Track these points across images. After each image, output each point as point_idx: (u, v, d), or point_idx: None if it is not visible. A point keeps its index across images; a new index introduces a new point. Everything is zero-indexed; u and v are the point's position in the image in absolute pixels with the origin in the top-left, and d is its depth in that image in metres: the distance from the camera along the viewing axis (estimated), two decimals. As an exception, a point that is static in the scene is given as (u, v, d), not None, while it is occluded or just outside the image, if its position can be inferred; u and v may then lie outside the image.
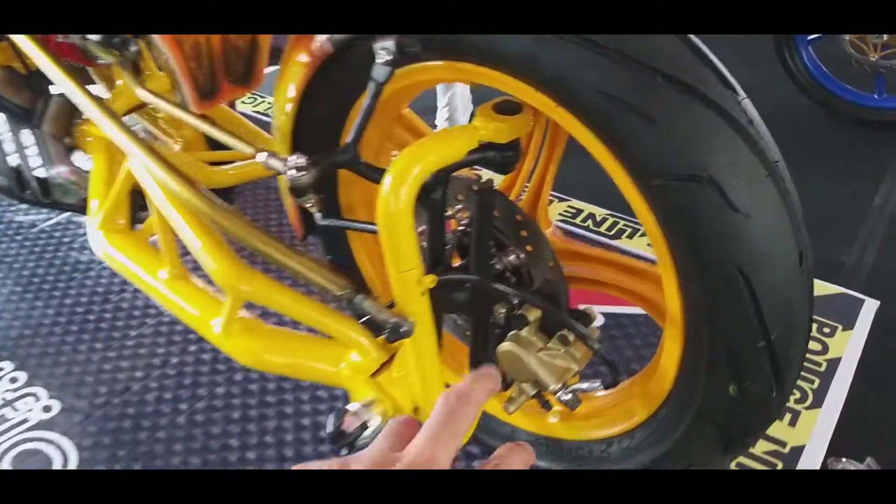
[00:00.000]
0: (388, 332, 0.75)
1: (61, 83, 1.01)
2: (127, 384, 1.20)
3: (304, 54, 0.84)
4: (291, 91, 0.89)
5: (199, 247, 0.86)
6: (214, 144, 1.39)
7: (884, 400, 1.13)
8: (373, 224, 0.89)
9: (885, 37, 1.95)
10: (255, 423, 1.12)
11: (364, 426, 0.79)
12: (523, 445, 0.42)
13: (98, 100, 0.97)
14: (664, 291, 0.72)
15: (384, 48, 0.74)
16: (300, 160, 0.74)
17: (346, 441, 0.79)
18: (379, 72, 0.75)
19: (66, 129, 1.20)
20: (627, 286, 0.83)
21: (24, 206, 1.67)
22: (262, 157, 0.77)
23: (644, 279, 0.82)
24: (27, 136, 1.20)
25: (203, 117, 0.98)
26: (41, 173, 1.21)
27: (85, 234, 1.56)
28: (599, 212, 1.60)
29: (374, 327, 0.85)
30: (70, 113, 1.20)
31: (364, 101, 0.77)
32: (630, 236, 1.52)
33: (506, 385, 0.85)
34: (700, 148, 0.61)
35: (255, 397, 1.17)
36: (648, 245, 1.48)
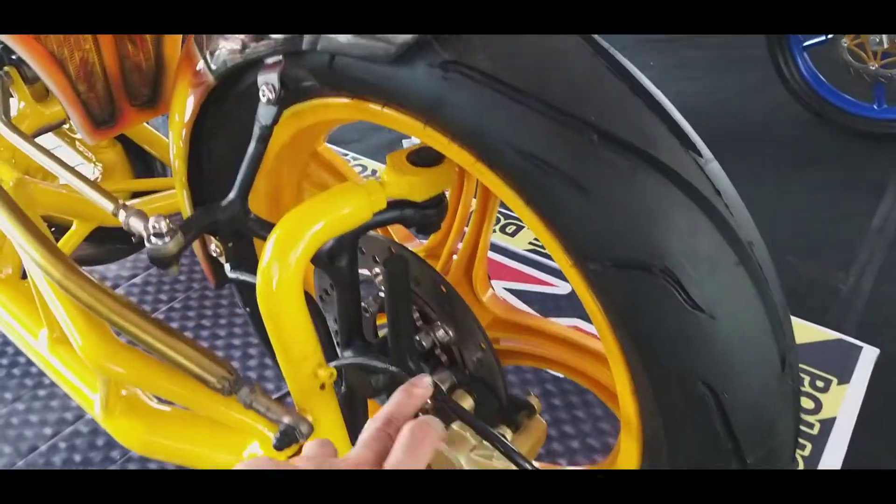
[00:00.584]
0: (279, 436, 0.61)
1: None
2: (33, 443, 1.06)
3: (187, 86, 0.70)
4: (182, 129, 0.74)
5: (68, 318, 0.72)
6: (140, 169, 1.25)
7: (886, 467, 0.99)
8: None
9: (886, 44, 1.80)
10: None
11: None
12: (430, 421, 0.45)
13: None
14: (617, 389, 0.58)
15: (267, 83, 0.59)
16: (160, 223, 0.59)
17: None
18: (264, 112, 0.61)
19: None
20: (579, 368, 0.68)
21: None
22: (122, 216, 0.63)
23: (599, 362, 0.67)
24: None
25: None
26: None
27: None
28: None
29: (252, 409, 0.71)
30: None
31: (249, 147, 0.63)
32: (513, 234, 1.40)
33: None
34: (649, 228, 0.46)
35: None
36: (530, 244, 1.36)
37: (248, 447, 0.71)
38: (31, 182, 0.93)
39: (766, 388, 0.49)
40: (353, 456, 0.43)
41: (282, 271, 0.56)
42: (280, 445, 0.60)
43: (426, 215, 0.63)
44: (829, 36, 1.93)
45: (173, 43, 0.94)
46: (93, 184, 0.68)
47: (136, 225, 0.61)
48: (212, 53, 0.65)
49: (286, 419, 0.61)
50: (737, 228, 0.47)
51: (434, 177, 0.60)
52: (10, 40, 0.79)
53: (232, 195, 0.65)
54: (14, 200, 0.73)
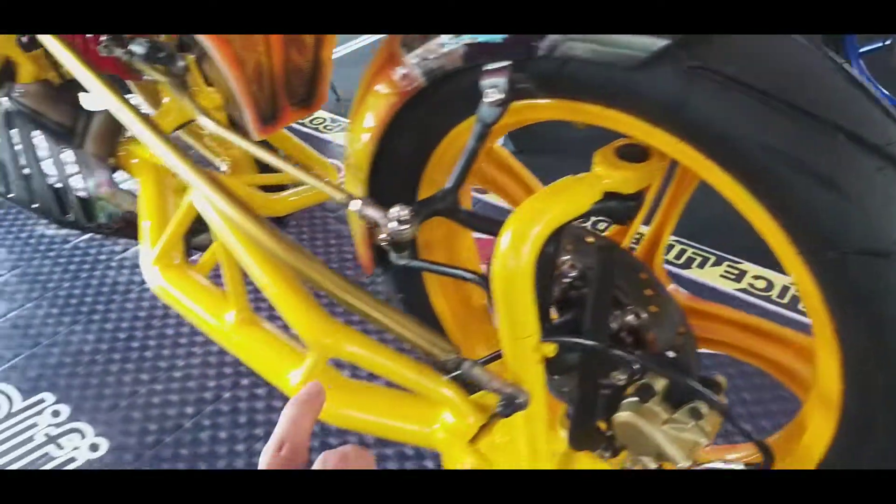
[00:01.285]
0: (502, 405, 0.67)
1: (110, 104, 0.92)
2: (178, 421, 1.13)
3: (388, 85, 0.75)
4: (370, 123, 0.80)
5: (276, 295, 0.78)
6: (264, 166, 1.31)
7: None
8: (460, 269, 0.82)
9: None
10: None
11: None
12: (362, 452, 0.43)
13: (153, 125, 0.88)
14: (817, 369, 0.63)
15: (494, 85, 0.65)
16: (403, 212, 0.66)
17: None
18: (487, 113, 0.66)
19: (109, 150, 1.11)
20: (761, 352, 0.74)
21: (55, 217, 1.60)
22: (355, 205, 0.69)
23: (782, 347, 0.73)
24: (68, 155, 1.12)
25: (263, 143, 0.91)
26: (83, 195, 1.13)
27: (122, 251, 1.48)
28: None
29: (464, 385, 0.78)
30: (114, 132, 1.12)
31: (468, 143, 0.69)
32: (700, 265, 1.42)
33: (615, 451, 0.78)
34: (890, 218, 0.52)
35: (316, 438, 1.09)
36: (722, 276, 1.40)
37: (441, 417, 0.77)
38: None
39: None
40: None
41: (517, 259, 0.62)
42: (506, 413, 0.67)
43: (628, 207, 0.69)
44: (886, 42, 1.98)
45: (330, 46, 1.00)
46: (319, 177, 0.73)
47: (374, 213, 0.67)
48: (423, 57, 0.71)
49: (508, 389, 0.67)
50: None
51: (644, 172, 0.66)
52: (207, 41, 0.84)
53: (449, 186, 0.70)
54: (218, 179, 0.79)
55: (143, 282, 1.36)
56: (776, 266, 1.34)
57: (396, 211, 0.66)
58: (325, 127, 1.95)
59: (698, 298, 0.78)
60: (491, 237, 0.67)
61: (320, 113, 1.99)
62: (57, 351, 1.26)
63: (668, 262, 1.43)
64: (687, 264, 1.43)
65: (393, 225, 0.66)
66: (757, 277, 1.36)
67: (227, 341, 0.87)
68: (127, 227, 1.13)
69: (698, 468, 0.70)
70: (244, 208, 0.76)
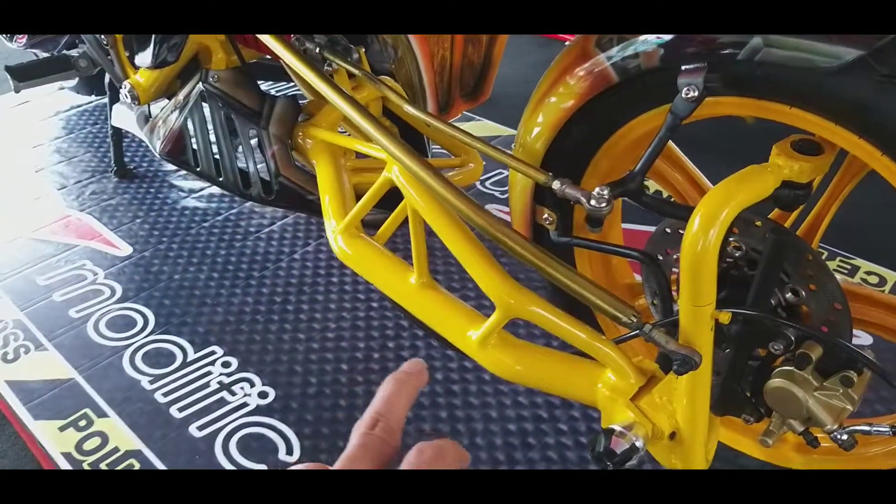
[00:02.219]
0: (678, 364, 0.76)
1: (323, 90, 1.05)
2: (335, 376, 1.26)
3: (577, 80, 0.86)
4: (548, 115, 0.91)
5: (467, 258, 0.89)
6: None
7: None
8: (621, 247, 0.92)
9: None
10: (463, 424, 1.17)
11: (634, 448, 0.81)
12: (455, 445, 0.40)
13: (361, 108, 1.00)
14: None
15: (691, 84, 0.75)
16: (604, 192, 0.76)
17: (615, 459, 0.81)
18: (682, 107, 0.76)
19: (289, 131, 1.25)
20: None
21: (204, 192, 1.76)
22: (557, 185, 0.80)
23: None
24: (254, 137, 1.27)
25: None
26: (265, 173, 1.27)
27: (269, 224, 1.63)
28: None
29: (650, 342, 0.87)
30: (293, 115, 1.26)
31: (660, 132, 0.79)
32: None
33: (759, 416, 0.87)
34: None
35: (458, 397, 1.21)
36: (834, 270, 1.45)
37: (605, 376, 0.87)
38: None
39: None
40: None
41: (705, 239, 0.72)
42: (682, 370, 0.76)
43: (798, 195, 0.77)
44: None
45: (501, 43, 1.11)
46: (516, 158, 0.85)
47: (575, 193, 0.78)
48: (620, 55, 0.81)
49: (684, 351, 0.76)
50: None
51: (817, 164, 0.75)
52: (412, 38, 0.97)
53: (637, 169, 0.80)
54: (419, 156, 0.91)
55: (291, 252, 1.52)
56: (888, 263, 1.40)
57: (599, 190, 0.76)
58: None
59: (851, 282, 0.86)
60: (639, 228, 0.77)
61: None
62: (221, 310, 1.41)
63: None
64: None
65: (594, 203, 0.76)
66: (869, 273, 1.41)
67: (410, 303, 0.99)
68: (301, 202, 1.26)
69: (843, 431, 0.78)
70: (443, 179, 0.88)
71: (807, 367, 0.79)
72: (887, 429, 0.77)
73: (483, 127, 1.97)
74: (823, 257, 1.48)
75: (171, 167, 1.87)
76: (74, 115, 2.19)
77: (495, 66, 1.12)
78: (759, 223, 0.80)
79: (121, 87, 1.42)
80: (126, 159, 1.88)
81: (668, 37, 0.76)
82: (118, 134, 1.82)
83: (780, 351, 0.81)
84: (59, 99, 2.26)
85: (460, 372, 1.25)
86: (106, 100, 2.22)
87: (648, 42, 0.77)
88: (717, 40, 0.72)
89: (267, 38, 1.08)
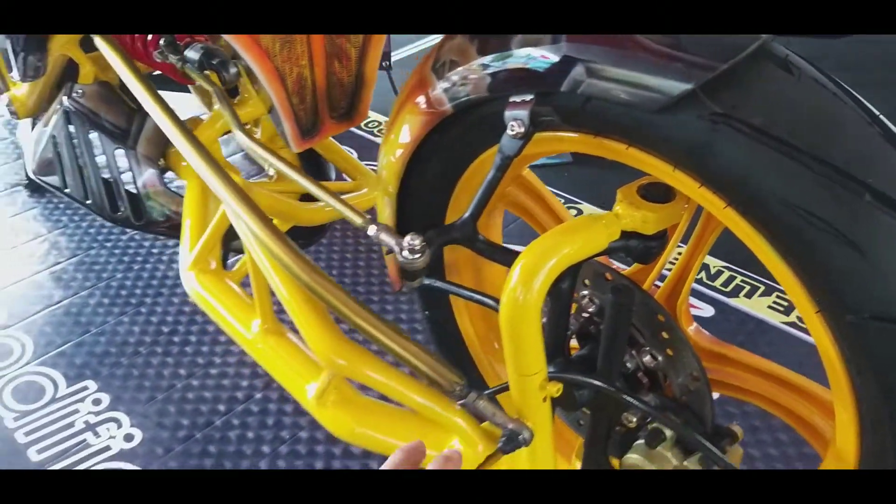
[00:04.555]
0: (504, 440, 0.66)
1: (150, 110, 0.96)
2: (209, 418, 1.16)
3: (417, 109, 0.75)
4: (402, 143, 0.80)
5: (295, 311, 0.79)
6: (312, 173, 1.33)
7: None
8: (481, 294, 0.81)
9: None
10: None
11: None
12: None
13: (188, 132, 0.91)
14: (834, 426, 0.60)
15: (516, 118, 0.64)
16: (415, 241, 0.66)
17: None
18: (509, 144, 0.66)
19: (160, 152, 1.15)
20: (783, 403, 0.71)
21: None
22: (372, 231, 0.69)
23: (804, 399, 0.70)
24: (120, 155, 1.17)
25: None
26: (134, 193, 1.17)
27: (175, 245, 1.53)
28: (715, 263, 1.45)
29: (476, 414, 0.77)
30: (165, 135, 1.15)
31: (489, 173, 0.69)
32: (748, 295, 1.37)
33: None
34: (916, 286, 0.49)
35: (339, 446, 1.11)
36: (769, 307, 1.35)
37: (451, 443, 0.77)
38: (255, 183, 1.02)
39: None
40: None
41: (526, 295, 0.62)
42: (507, 449, 0.66)
43: (649, 247, 0.67)
44: None
45: (374, 61, 1.01)
46: (339, 197, 0.74)
47: (388, 240, 0.68)
48: (452, 83, 0.71)
49: (511, 425, 0.66)
50: None
51: (666, 213, 0.64)
52: (247, 56, 0.87)
53: (466, 216, 0.70)
54: (247, 192, 0.81)
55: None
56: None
57: (409, 240, 0.66)
58: (379, 131, 1.97)
59: (722, 342, 0.75)
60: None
61: (375, 116, 2.01)
62: (104, 340, 1.32)
63: (714, 289, 1.38)
64: (735, 292, 1.38)
65: (405, 254, 0.66)
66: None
67: (252, 349, 0.89)
68: (173, 227, 1.17)
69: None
70: (268, 225, 0.78)
71: (660, 443, 0.68)
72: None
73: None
74: (759, 293, 1.37)
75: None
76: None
77: (370, 85, 1.02)
78: (608, 277, 0.70)
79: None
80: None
81: (493, 63, 0.65)
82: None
83: (635, 424, 0.71)
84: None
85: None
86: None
87: (474, 68, 0.67)
88: (537, 70, 0.61)
89: (102, 46, 0.98)
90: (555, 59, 0.60)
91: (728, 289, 1.39)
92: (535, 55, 0.62)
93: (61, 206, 1.70)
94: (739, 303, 1.35)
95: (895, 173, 0.51)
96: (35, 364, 1.27)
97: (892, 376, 0.51)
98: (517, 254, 0.66)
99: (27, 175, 1.74)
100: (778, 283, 1.32)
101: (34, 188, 1.76)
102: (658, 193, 0.65)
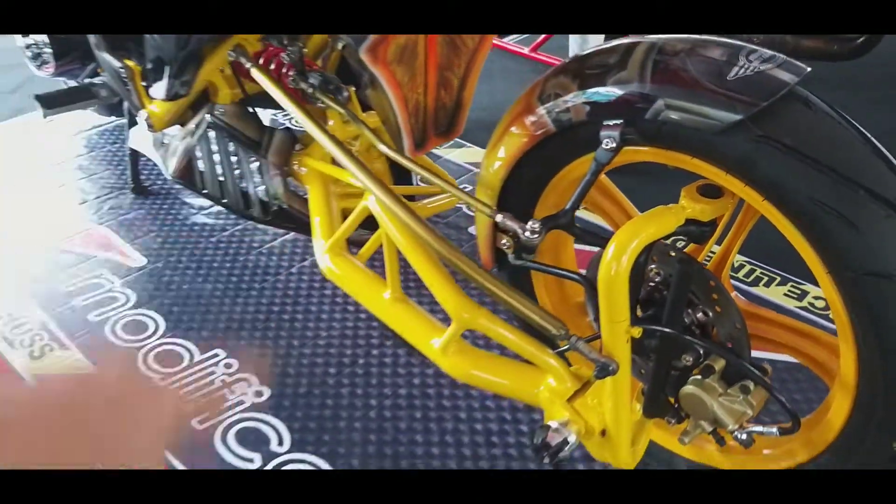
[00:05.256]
0: (598, 370, 0.91)
1: (306, 125, 1.21)
2: (322, 378, 1.41)
3: (523, 128, 1.00)
4: (503, 155, 1.05)
5: (429, 277, 1.04)
6: (398, 178, 1.58)
7: None
8: (566, 270, 1.06)
9: None
10: (434, 423, 1.31)
11: (565, 441, 0.95)
12: None
13: (341, 144, 1.16)
14: (839, 359, 0.85)
15: (610, 136, 0.89)
16: (535, 225, 0.91)
17: (549, 452, 0.95)
18: (603, 155, 0.90)
19: (285, 160, 1.41)
20: (800, 348, 0.96)
21: (212, 209, 1.92)
22: (500, 217, 0.95)
23: (817, 344, 0.95)
24: (254, 163, 1.42)
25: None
26: (264, 196, 1.43)
27: (270, 241, 1.79)
28: (738, 259, 1.70)
29: (564, 359, 1.02)
30: (290, 146, 1.41)
31: (586, 176, 0.93)
32: (767, 284, 1.62)
33: (679, 419, 1.00)
34: (892, 252, 0.74)
35: (432, 400, 1.35)
36: (785, 295, 1.59)
37: (546, 381, 1.01)
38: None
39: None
40: None
41: (618, 265, 0.86)
42: (599, 375, 0.90)
43: (704, 231, 0.92)
44: None
45: (470, 88, 1.26)
46: (469, 194, 0.99)
47: (513, 224, 0.93)
48: (556, 110, 0.96)
49: (603, 360, 0.91)
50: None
51: (717, 206, 0.89)
52: (386, 85, 1.11)
53: (567, 207, 0.95)
54: (388, 186, 1.06)
55: (289, 266, 1.67)
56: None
57: (531, 224, 0.91)
58: (435, 144, 2.22)
59: (753, 304, 1.00)
60: (589, 248, 0.91)
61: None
62: (224, 318, 1.57)
63: (737, 279, 1.63)
64: (755, 283, 1.63)
65: (527, 234, 0.91)
66: (817, 297, 1.55)
67: (383, 313, 1.14)
68: (294, 222, 1.42)
69: (742, 432, 0.92)
70: (409, 209, 1.03)
71: (711, 376, 0.93)
72: (775, 430, 0.91)
73: (472, 152, 2.12)
74: (776, 283, 1.62)
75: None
76: (95, 135, 2.36)
77: (466, 107, 1.26)
78: (672, 254, 0.95)
79: (137, 115, 1.58)
80: (142, 177, 2.05)
81: (598, 97, 0.90)
82: (135, 154, 1.98)
83: (691, 363, 0.95)
84: (80, 119, 2.43)
85: (435, 377, 1.40)
86: (125, 120, 2.40)
87: (575, 99, 0.92)
88: (629, 101, 0.86)
89: (259, 76, 1.24)
90: (641, 94, 0.85)
91: (749, 279, 1.63)
92: (626, 91, 0.87)
93: (165, 206, 1.96)
94: (759, 290, 1.60)
95: (880, 175, 0.75)
96: (169, 336, 1.52)
97: (880, 316, 0.76)
98: (607, 237, 0.91)
99: (133, 179, 2.00)
100: (792, 276, 1.57)
101: (139, 191, 2.02)
102: (712, 192, 0.90)
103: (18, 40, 1.85)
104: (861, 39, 2.34)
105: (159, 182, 2.07)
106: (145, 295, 1.64)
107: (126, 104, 1.80)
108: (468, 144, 2.15)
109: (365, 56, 1.04)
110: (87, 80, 1.82)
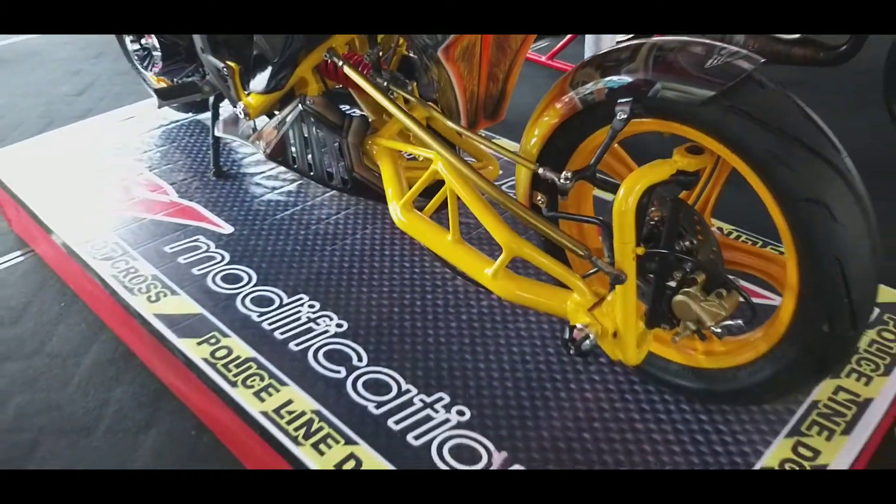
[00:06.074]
0: (612, 279, 1.25)
1: (389, 107, 1.56)
2: (389, 314, 1.75)
3: (558, 106, 1.35)
4: (541, 128, 1.40)
5: (486, 219, 1.39)
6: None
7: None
8: (586, 216, 1.40)
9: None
10: (478, 349, 1.65)
11: (587, 336, 1.29)
12: None
13: (417, 121, 1.51)
14: (787, 271, 1.19)
15: (622, 110, 1.23)
16: (568, 173, 1.26)
17: (575, 345, 1.29)
18: (617, 124, 1.25)
19: (361, 141, 1.76)
20: (760, 267, 1.30)
21: (283, 189, 2.28)
22: (541, 170, 1.29)
23: (772, 262, 1.29)
24: (335, 143, 1.78)
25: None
26: (343, 171, 1.78)
27: (335, 213, 2.14)
28: (727, 227, 2.04)
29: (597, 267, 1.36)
30: (365, 129, 1.77)
31: (604, 140, 1.28)
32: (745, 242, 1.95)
33: (672, 325, 1.34)
34: (819, 184, 1.08)
35: (477, 332, 1.69)
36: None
37: (573, 296, 1.35)
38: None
39: (865, 262, 1.09)
40: None
41: (628, 200, 1.20)
42: (615, 283, 1.24)
43: (690, 180, 1.26)
44: None
45: (512, 80, 1.61)
46: (514, 153, 1.34)
47: (552, 174, 1.27)
48: (583, 93, 1.30)
49: (615, 272, 1.24)
50: (857, 186, 1.08)
51: (700, 160, 1.23)
52: (453, 77, 1.46)
53: (592, 162, 1.29)
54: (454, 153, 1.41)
55: (353, 233, 2.02)
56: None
57: (565, 173, 1.25)
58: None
59: (725, 236, 1.34)
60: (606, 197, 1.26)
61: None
62: (304, 270, 1.92)
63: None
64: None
65: (562, 181, 1.25)
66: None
67: (447, 254, 1.48)
68: (368, 190, 1.77)
69: (718, 326, 1.25)
70: (470, 167, 1.38)
71: (695, 286, 1.26)
72: (740, 321, 1.24)
73: (504, 143, 2.48)
74: (758, 245, 1.96)
75: (254, 170, 2.39)
76: (174, 129, 2.73)
77: (508, 96, 1.61)
78: (667, 197, 1.29)
79: (235, 106, 1.95)
80: (220, 163, 2.41)
81: (613, 82, 1.25)
82: (217, 142, 2.35)
83: (679, 278, 1.29)
84: (158, 115, 2.80)
85: (479, 314, 1.73)
86: (197, 116, 2.77)
87: (599, 84, 1.26)
88: (637, 85, 1.21)
89: (351, 73, 1.59)
90: (645, 79, 1.20)
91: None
92: (634, 77, 1.21)
93: (243, 186, 2.32)
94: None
95: (810, 133, 1.09)
96: (261, 285, 1.87)
97: (810, 231, 1.09)
98: (617, 184, 1.25)
99: (214, 164, 2.37)
100: (764, 237, 1.90)
101: (219, 174, 2.38)
102: (696, 150, 1.24)
103: (129, 44, 2.22)
104: (843, 47, 2.72)
105: (235, 168, 2.43)
106: (237, 254, 1.99)
107: (211, 99, 2.17)
108: (496, 136, 2.51)
109: (441, 54, 1.39)
110: (187, 78, 2.19)
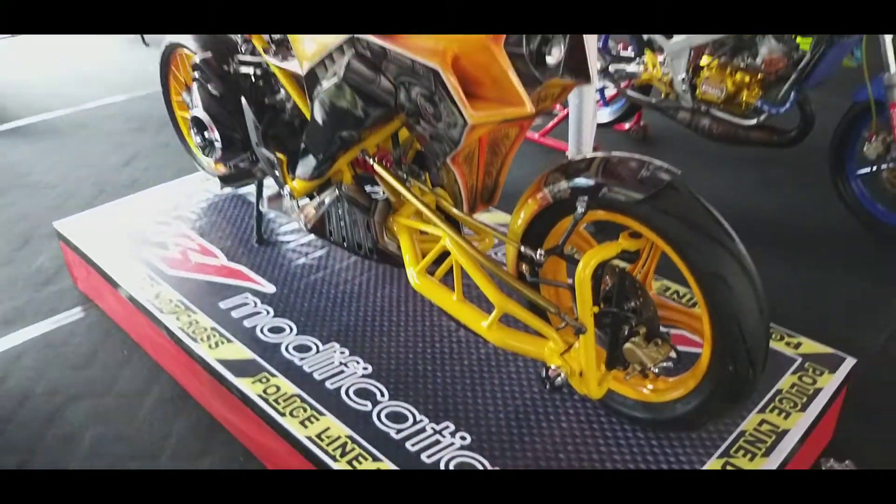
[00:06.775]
0: (576, 331, 1.67)
1: (406, 195, 2.01)
2: (406, 359, 2.17)
3: (534, 200, 1.79)
4: (524, 215, 1.84)
5: (483, 285, 1.82)
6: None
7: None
8: (559, 281, 1.83)
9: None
10: (476, 379, 2.05)
11: (559, 375, 1.70)
12: None
13: (429, 206, 1.96)
14: (703, 325, 1.61)
15: (582, 203, 1.67)
16: (542, 252, 1.69)
17: (549, 381, 1.70)
18: (578, 215, 1.68)
19: (384, 219, 2.21)
20: (684, 321, 1.72)
21: (312, 255, 2.72)
22: (523, 248, 1.73)
23: (693, 318, 1.71)
24: (364, 221, 2.23)
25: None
26: (370, 243, 2.23)
27: (358, 275, 2.58)
28: (666, 284, 2.46)
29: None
30: (387, 210, 2.22)
31: (569, 225, 1.71)
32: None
33: (624, 366, 1.75)
34: (717, 262, 1.50)
35: (475, 367, 2.10)
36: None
37: (549, 343, 1.77)
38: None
39: (755, 319, 1.51)
40: None
41: (585, 274, 1.63)
42: (578, 333, 1.66)
43: (633, 256, 1.69)
44: (874, 168, 2.91)
45: (504, 172, 2.05)
46: (503, 234, 1.79)
47: (530, 251, 1.71)
48: (556, 189, 1.74)
49: (578, 324, 1.66)
50: (745, 263, 1.50)
51: (639, 243, 1.66)
52: (457, 174, 1.92)
53: (560, 243, 1.72)
54: (458, 232, 1.85)
55: (376, 291, 2.45)
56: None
57: (540, 252, 1.69)
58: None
59: (662, 298, 1.76)
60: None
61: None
62: (335, 323, 2.34)
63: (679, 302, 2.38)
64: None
65: (539, 256, 1.69)
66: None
67: (452, 310, 1.91)
68: (391, 258, 2.21)
69: (657, 367, 1.66)
70: (470, 243, 1.82)
71: (638, 337, 1.68)
72: (671, 364, 1.65)
73: (494, 215, 2.93)
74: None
75: (290, 238, 2.84)
76: (221, 201, 3.20)
77: (500, 186, 2.05)
78: (618, 269, 1.72)
79: (281, 189, 2.40)
80: (262, 232, 2.86)
81: (575, 184, 1.69)
82: (261, 214, 2.80)
83: (627, 330, 1.70)
84: (203, 188, 3.26)
85: (478, 360, 2.14)
86: (239, 191, 3.23)
87: (563, 185, 1.71)
88: (592, 187, 1.65)
89: (378, 169, 2.05)
90: (597, 183, 1.64)
91: (690, 303, 2.39)
92: (590, 182, 1.65)
93: (282, 252, 2.76)
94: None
95: (711, 223, 1.52)
96: (300, 335, 2.29)
97: (715, 297, 1.52)
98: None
99: (256, 232, 2.82)
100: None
101: (260, 241, 2.83)
102: (636, 234, 1.67)
103: (195, 137, 2.69)
104: (793, 132, 3.20)
105: (275, 236, 2.88)
106: (279, 309, 2.42)
107: (257, 181, 2.64)
108: (493, 209, 2.96)
109: (449, 161, 1.84)
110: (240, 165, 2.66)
